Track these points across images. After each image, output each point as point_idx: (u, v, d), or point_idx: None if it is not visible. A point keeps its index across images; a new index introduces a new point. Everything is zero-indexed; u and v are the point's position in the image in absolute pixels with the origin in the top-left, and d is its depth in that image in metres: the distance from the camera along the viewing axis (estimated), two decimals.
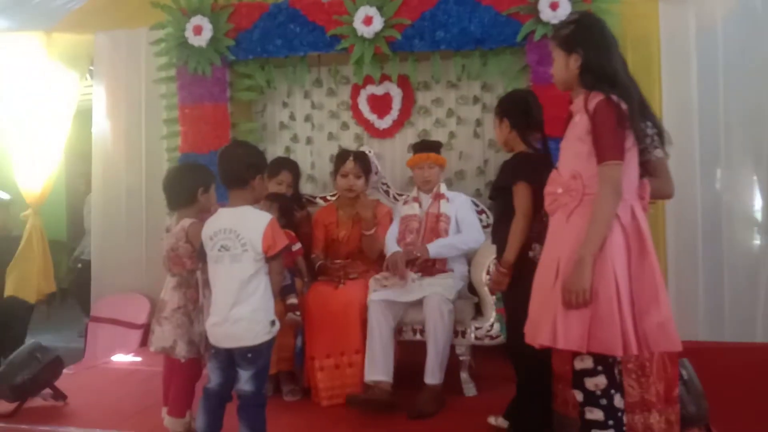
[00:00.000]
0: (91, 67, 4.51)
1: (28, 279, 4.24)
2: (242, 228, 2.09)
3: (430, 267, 3.00)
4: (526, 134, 2.33)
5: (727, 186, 3.58)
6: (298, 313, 2.83)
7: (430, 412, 2.68)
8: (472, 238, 3.04)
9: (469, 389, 2.94)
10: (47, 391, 2.95)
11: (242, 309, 2.07)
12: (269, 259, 2.11)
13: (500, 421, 2.45)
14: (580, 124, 1.80)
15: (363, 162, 3.33)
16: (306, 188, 3.84)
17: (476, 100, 3.81)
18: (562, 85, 1.92)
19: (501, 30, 3.38)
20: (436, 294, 2.81)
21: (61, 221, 7.29)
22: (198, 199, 2.42)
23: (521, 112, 2.34)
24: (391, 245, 3.09)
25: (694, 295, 3.51)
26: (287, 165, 3.47)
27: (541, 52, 3.33)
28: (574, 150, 1.82)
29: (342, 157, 3.35)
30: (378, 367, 2.74)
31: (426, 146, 3.26)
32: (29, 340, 3.14)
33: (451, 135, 3.83)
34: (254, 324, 2.07)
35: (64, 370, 3.12)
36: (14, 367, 2.88)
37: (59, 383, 2.99)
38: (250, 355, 2.08)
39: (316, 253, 3.33)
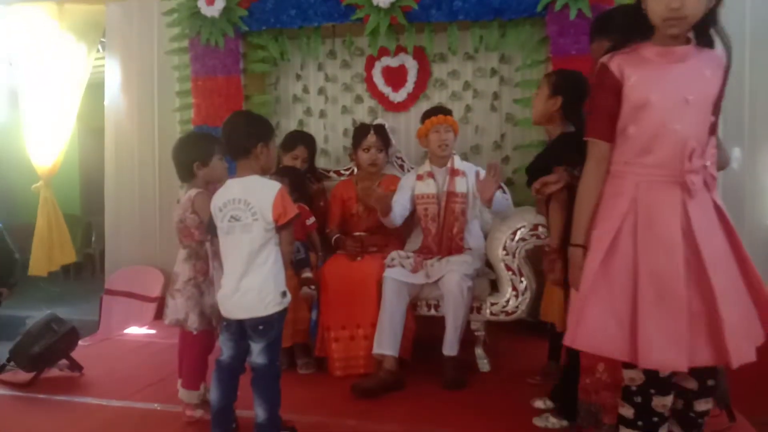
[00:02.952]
0: (103, 39, 4.47)
1: (44, 251, 4.27)
2: (252, 197, 2.06)
3: (449, 247, 2.97)
4: (571, 116, 2.25)
5: (751, 165, 3.50)
6: (313, 287, 2.82)
7: (463, 380, 2.73)
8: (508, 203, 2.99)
9: (484, 365, 2.93)
10: (64, 361, 2.98)
11: (252, 279, 2.05)
12: (279, 229, 2.07)
13: (548, 403, 2.38)
14: (713, 80, 1.54)
15: (383, 135, 3.29)
16: (319, 162, 3.81)
17: (494, 72, 3.73)
18: (689, 24, 1.51)
19: (521, 0, 3.28)
20: (455, 272, 2.78)
21: (75, 195, 7.33)
22: (196, 174, 2.38)
23: (578, 95, 2.23)
24: (398, 212, 3.03)
25: None
26: (303, 139, 3.43)
27: (562, 23, 3.24)
28: (705, 114, 1.54)
29: (362, 131, 3.29)
30: (385, 341, 2.74)
31: (438, 110, 3.12)
32: (45, 312, 3.15)
33: (468, 108, 3.77)
34: (264, 294, 2.05)
35: (80, 342, 3.14)
36: (31, 337, 2.91)
37: (75, 354, 3.02)
38: (261, 327, 2.06)
39: (332, 227, 3.30)
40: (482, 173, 2.91)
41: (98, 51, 4.54)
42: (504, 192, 3.03)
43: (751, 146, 3.48)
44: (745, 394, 2.29)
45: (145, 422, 2.47)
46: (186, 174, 2.40)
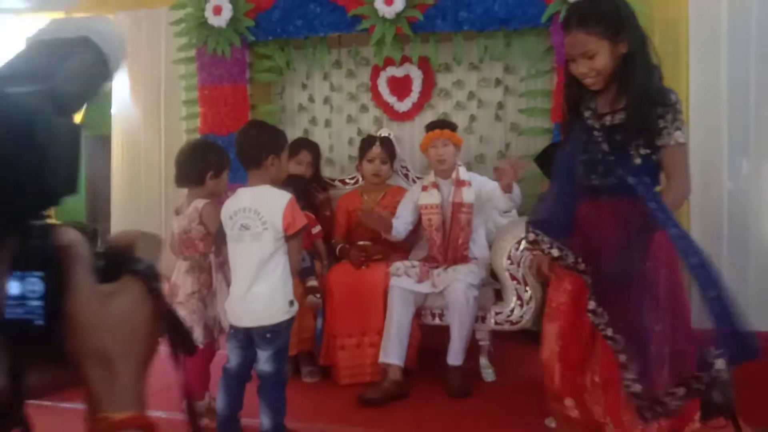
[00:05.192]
0: None
1: None
2: (262, 207, 2.08)
3: (454, 256, 2.98)
4: None
5: (756, 174, 3.50)
6: (318, 295, 2.83)
7: (468, 389, 2.73)
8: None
9: (488, 374, 2.93)
10: None
11: (261, 288, 2.07)
12: (289, 238, 2.09)
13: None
14: None
15: (389, 147, 3.32)
16: (324, 171, 3.82)
17: (498, 82, 3.75)
18: None
19: (525, 10, 3.30)
20: (461, 282, 2.79)
21: (80, 203, 7.36)
22: (206, 182, 2.39)
23: None
24: (401, 227, 3.01)
25: None
26: (307, 145, 3.46)
27: None
28: None
29: (368, 142, 3.32)
30: (390, 350, 2.75)
31: (439, 124, 3.14)
32: None
33: (472, 118, 3.78)
34: (273, 303, 2.07)
35: None
36: None
37: None
38: (269, 335, 2.08)
39: (337, 238, 3.31)
40: (485, 181, 2.98)
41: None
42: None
43: (757, 157, 3.48)
44: (751, 405, 2.28)
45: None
46: (192, 180, 2.41)
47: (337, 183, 3.69)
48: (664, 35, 3.40)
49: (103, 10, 4.27)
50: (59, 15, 4.26)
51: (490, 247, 3.10)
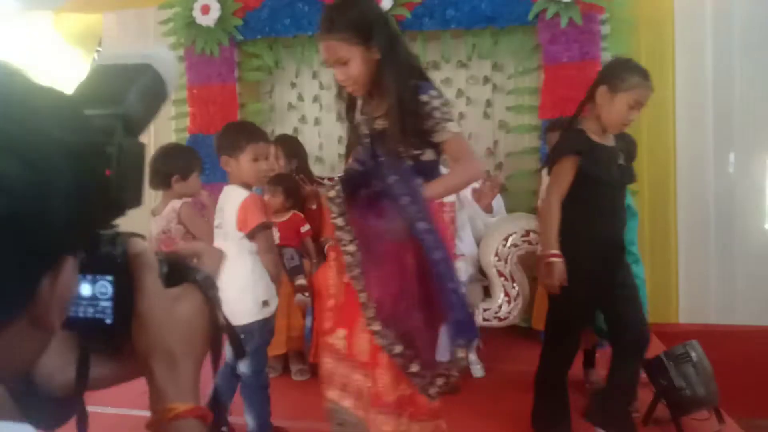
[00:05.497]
0: (99, 48, 4.49)
1: None
2: (225, 206, 2.10)
3: None
4: None
5: (741, 170, 3.54)
6: (306, 293, 2.84)
7: (457, 386, 2.69)
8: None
9: (477, 370, 2.95)
10: None
11: (228, 288, 2.04)
12: (250, 237, 2.06)
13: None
14: None
15: None
16: (314, 169, 3.83)
17: (486, 80, 3.77)
18: None
19: (513, 8, 3.32)
20: None
21: None
22: (173, 185, 2.40)
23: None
24: None
25: (705, 279, 3.49)
26: (280, 141, 3.34)
27: (553, 31, 3.28)
28: None
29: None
30: None
31: None
32: None
33: (461, 116, 3.79)
34: (240, 304, 2.02)
35: None
36: None
37: None
38: (241, 336, 2.07)
39: (326, 237, 3.32)
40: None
41: (94, 60, 4.57)
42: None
43: (743, 151, 3.52)
44: (734, 397, 2.31)
45: (142, 429, 2.48)
46: (161, 183, 2.43)
47: (326, 181, 3.70)
48: (650, 34, 3.44)
49: (90, 11, 4.26)
50: (47, 15, 4.25)
51: (478, 244, 3.12)
